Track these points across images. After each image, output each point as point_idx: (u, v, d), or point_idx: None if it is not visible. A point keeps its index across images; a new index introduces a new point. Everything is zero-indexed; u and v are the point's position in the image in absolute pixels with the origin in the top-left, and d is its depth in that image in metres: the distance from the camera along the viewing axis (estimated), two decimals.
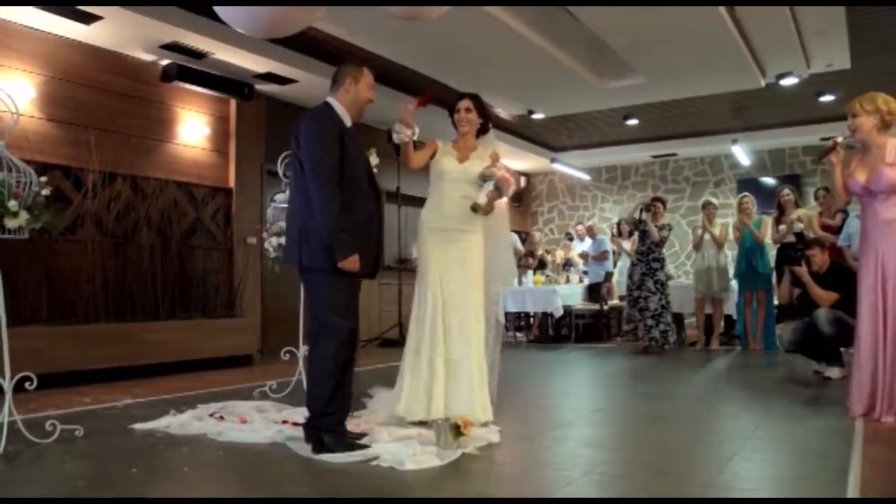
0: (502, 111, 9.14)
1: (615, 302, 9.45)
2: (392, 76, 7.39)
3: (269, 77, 7.08)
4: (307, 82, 7.14)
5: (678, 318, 8.39)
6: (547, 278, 9.76)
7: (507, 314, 7.86)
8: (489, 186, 3.66)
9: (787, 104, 9.08)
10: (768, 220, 7.51)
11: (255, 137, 7.57)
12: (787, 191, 7.49)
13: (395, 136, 3.57)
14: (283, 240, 4.09)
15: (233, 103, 7.33)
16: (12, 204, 3.10)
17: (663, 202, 7.80)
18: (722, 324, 8.17)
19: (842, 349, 5.33)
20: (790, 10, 6.00)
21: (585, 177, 12.69)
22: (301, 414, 3.41)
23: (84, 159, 5.98)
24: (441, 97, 4.36)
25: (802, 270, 5.40)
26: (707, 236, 7.92)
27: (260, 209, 7.50)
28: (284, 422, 3.60)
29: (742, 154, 11.02)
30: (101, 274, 5.95)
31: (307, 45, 6.66)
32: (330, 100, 3.22)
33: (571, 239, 11.04)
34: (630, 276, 7.64)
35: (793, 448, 3.31)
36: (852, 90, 4.69)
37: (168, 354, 5.98)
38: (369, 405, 3.98)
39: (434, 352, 3.62)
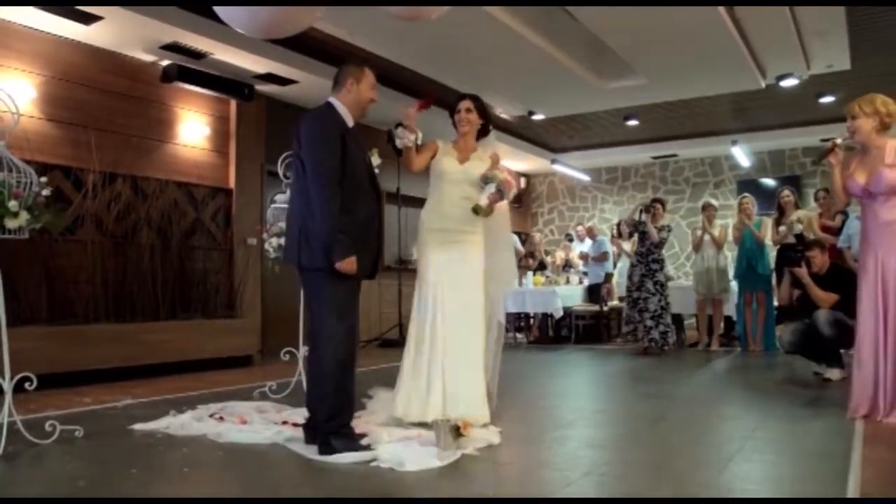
0: (502, 112, 9.14)
1: (615, 303, 9.45)
2: (392, 77, 7.39)
3: (270, 77, 7.08)
4: (307, 83, 7.15)
5: (678, 320, 8.40)
6: (547, 279, 9.77)
7: (506, 315, 7.87)
8: (491, 188, 3.66)
9: (788, 105, 9.09)
10: (768, 222, 7.52)
11: (256, 138, 7.57)
12: (787, 192, 7.49)
13: (398, 142, 3.59)
14: (283, 240, 4.09)
15: (233, 104, 7.33)
16: (12, 204, 3.10)
17: (663, 203, 7.80)
18: (722, 325, 8.18)
19: (842, 350, 5.33)
20: (790, 10, 6.01)
21: (585, 178, 12.69)
22: (301, 415, 3.41)
23: (84, 159, 5.98)
24: (441, 98, 4.37)
25: (802, 272, 5.40)
26: (707, 237, 7.92)
27: (260, 210, 7.50)
28: (284, 422, 3.60)
29: (742, 155, 11.02)
30: (101, 274, 5.95)
31: (307, 45, 6.66)
32: (332, 100, 3.22)
33: (571, 240, 11.04)
34: (630, 278, 7.64)
35: (793, 449, 3.31)
36: (852, 91, 4.70)
37: (168, 355, 5.98)
38: (369, 406, 3.98)
39: (434, 353, 3.62)
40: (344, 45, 6.53)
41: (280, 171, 4.71)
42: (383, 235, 3.35)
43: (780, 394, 4.81)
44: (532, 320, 9.76)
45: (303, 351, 4.39)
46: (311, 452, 3.06)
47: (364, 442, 3.10)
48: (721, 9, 5.81)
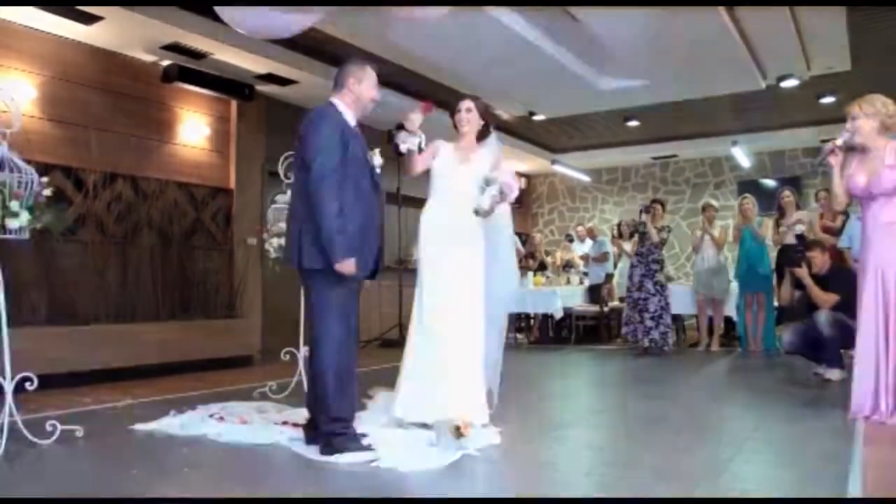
0: (503, 112, 9.14)
1: (615, 303, 9.45)
2: (392, 77, 7.39)
3: (270, 78, 7.08)
4: (307, 83, 7.15)
5: (678, 320, 8.40)
6: (547, 280, 9.76)
7: (507, 316, 7.86)
8: (493, 190, 3.65)
9: (788, 106, 9.08)
10: (769, 222, 7.52)
11: (256, 138, 7.57)
12: (787, 192, 7.50)
13: (402, 147, 3.60)
14: (283, 240, 4.09)
15: (233, 104, 7.33)
16: (13, 204, 3.10)
17: (662, 204, 7.81)
18: (722, 325, 8.18)
19: (842, 351, 5.33)
20: (790, 11, 6.01)
21: (586, 178, 12.69)
22: (301, 415, 3.41)
23: (85, 159, 5.98)
24: (442, 99, 4.37)
25: (803, 272, 5.40)
26: (707, 238, 7.92)
27: (260, 210, 7.50)
28: (284, 423, 3.60)
29: (742, 156, 11.02)
30: (101, 274, 5.95)
31: (308, 45, 6.66)
32: (333, 99, 3.22)
33: (572, 240, 11.04)
34: (630, 278, 7.64)
35: (793, 449, 3.32)
36: (853, 92, 4.68)
37: (168, 355, 5.98)
38: (369, 406, 3.98)
39: (434, 353, 3.62)
40: (344, 45, 6.53)
41: (280, 172, 4.71)
42: (384, 235, 3.34)
43: (781, 394, 4.81)
44: (532, 321, 9.76)
45: (303, 351, 4.39)
46: (311, 453, 3.06)
47: (365, 442, 3.10)
48: (721, 9, 5.81)
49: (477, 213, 3.65)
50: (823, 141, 8.97)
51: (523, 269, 9.57)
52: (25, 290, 5.40)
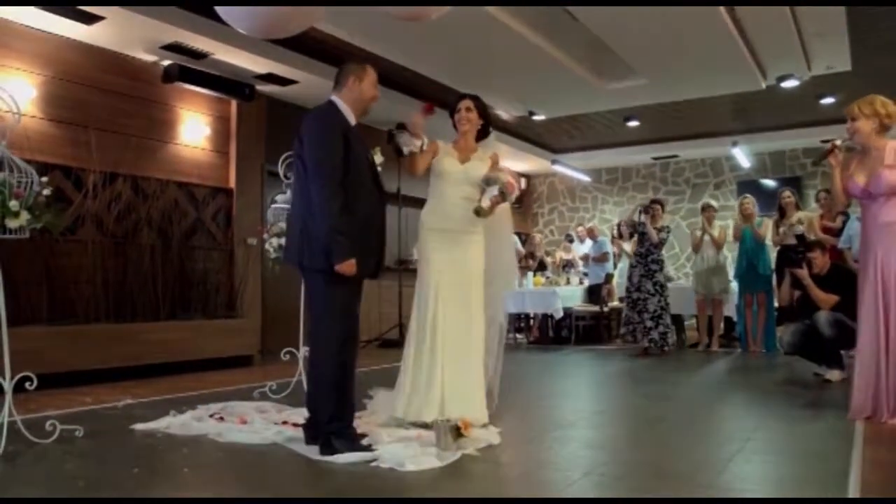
0: (503, 112, 9.14)
1: (615, 303, 9.45)
2: (392, 77, 7.40)
3: (270, 78, 7.08)
4: (308, 83, 7.15)
5: (678, 320, 8.40)
6: (547, 280, 9.76)
7: (507, 315, 7.87)
8: (493, 191, 3.65)
9: (788, 106, 9.09)
10: (769, 223, 7.52)
11: (256, 138, 7.57)
12: (787, 193, 7.50)
13: (404, 149, 3.62)
14: (283, 240, 4.10)
15: (233, 104, 7.33)
16: (13, 204, 3.10)
17: (662, 204, 7.80)
18: (722, 325, 8.18)
19: (842, 352, 5.33)
20: (791, 11, 6.01)
21: (586, 178, 12.69)
22: (301, 415, 3.41)
23: (85, 159, 5.98)
24: (442, 98, 4.37)
25: (803, 273, 5.40)
26: (706, 238, 7.93)
27: (260, 210, 7.50)
28: (284, 422, 3.60)
29: (742, 156, 11.03)
30: (101, 274, 5.95)
31: (307, 45, 6.67)
32: (334, 98, 3.21)
33: (572, 240, 11.04)
34: (629, 278, 7.64)
35: (793, 449, 3.31)
36: (853, 93, 4.69)
37: (168, 355, 5.98)
38: (369, 406, 3.98)
39: (434, 353, 3.62)
40: (344, 45, 6.54)
41: (280, 172, 4.71)
42: (386, 235, 3.33)
43: (781, 395, 4.81)
44: (532, 321, 9.76)
45: (303, 351, 4.39)
46: (311, 453, 3.06)
47: (365, 442, 3.09)
48: (721, 9, 5.81)
49: (478, 213, 3.65)
50: (823, 141, 9.00)
51: (523, 269, 9.58)
52: (25, 289, 5.40)
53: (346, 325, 3.11)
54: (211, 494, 2.60)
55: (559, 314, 8.68)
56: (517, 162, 11.74)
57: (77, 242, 5.88)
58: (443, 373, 3.60)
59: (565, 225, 12.95)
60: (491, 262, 3.86)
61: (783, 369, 6.16)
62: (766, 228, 7.49)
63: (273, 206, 4.96)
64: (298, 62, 6.89)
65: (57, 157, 5.80)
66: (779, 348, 6.70)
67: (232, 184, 7.33)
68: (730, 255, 8.32)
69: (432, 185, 3.87)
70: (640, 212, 7.66)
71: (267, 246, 4.67)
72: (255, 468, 2.93)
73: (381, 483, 2.67)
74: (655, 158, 12.16)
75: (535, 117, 9.30)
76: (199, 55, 6.37)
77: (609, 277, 9.55)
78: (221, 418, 3.77)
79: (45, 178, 3.30)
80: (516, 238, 9.82)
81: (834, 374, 5.25)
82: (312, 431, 3.16)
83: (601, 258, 9.68)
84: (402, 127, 7.75)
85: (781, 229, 7.23)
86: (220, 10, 4.01)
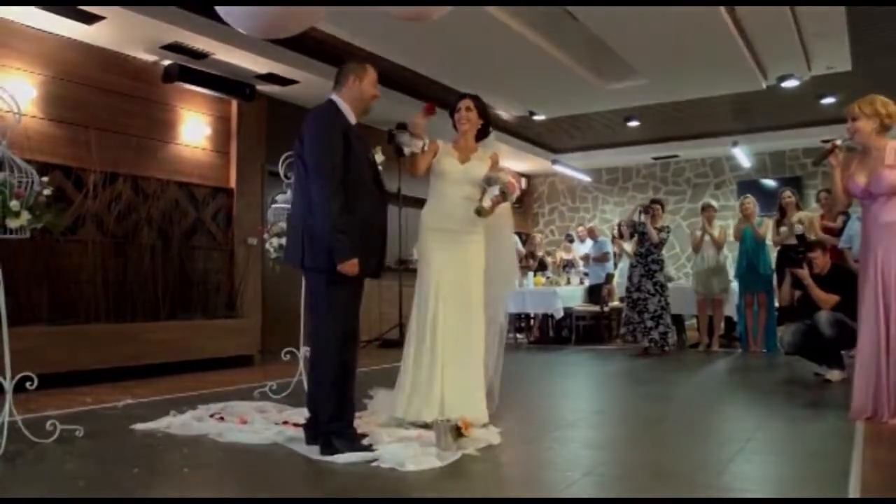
0: (503, 112, 9.14)
1: (616, 303, 9.45)
2: (393, 77, 7.40)
3: (270, 77, 7.08)
4: (308, 83, 7.15)
5: (678, 320, 8.39)
6: (547, 280, 9.76)
7: (507, 315, 7.88)
8: (494, 191, 3.65)
9: (788, 106, 9.08)
10: (769, 223, 7.52)
11: (256, 138, 7.57)
12: (788, 193, 7.50)
13: (405, 150, 3.62)
14: (283, 240, 4.09)
15: (234, 104, 7.33)
16: (14, 204, 3.10)
17: (662, 204, 7.80)
18: (722, 325, 8.18)
19: (842, 352, 5.33)
20: (791, 11, 6.01)
21: (586, 178, 12.69)
22: (302, 415, 3.41)
23: (85, 159, 5.98)
24: (442, 98, 4.37)
25: (804, 273, 5.40)
26: (707, 238, 7.93)
27: (261, 210, 7.50)
28: (285, 422, 3.60)
29: (743, 156, 11.03)
30: (101, 274, 5.95)
31: (308, 45, 6.67)
32: (334, 97, 3.20)
33: (572, 240, 11.04)
34: (629, 278, 7.64)
35: (793, 449, 3.31)
36: (853, 92, 4.68)
37: (168, 355, 5.98)
38: (369, 406, 3.98)
39: (434, 353, 3.62)
40: (344, 45, 6.54)
41: (281, 171, 4.71)
42: (387, 234, 3.32)
43: (781, 395, 4.81)
44: (532, 321, 9.76)
45: (303, 351, 4.39)
46: (312, 453, 3.06)
47: (365, 442, 3.09)
48: (722, 9, 5.81)
49: (478, 213, 3.65)
50: (824, 141, 8.99)
51: (523, 269, 9.58)
52: (26, 289, 5.40)
53: (347, 324, 3.10)
54: (211, 494, 2.60)
55: (559, 314, 8.68)
56: (517, 162, 11.74)
57: (77, 242, 5.88)
58: (443, 373, 3.60)
59: (566, 225, 12.95)
60: (491, 262, 3.86)
61: (784, 369, 6.16)
62: (767, 228, 7.49)
63: (273, 205, 4.95)
64: (299, 62, 6.89)
65: (57, 157, 5.80)
66: (779, 348, 6.70)
67: (232, 184, 7.33)
68: (730, 255, 8.32)
69: (432, 184, 3.87)
70: (640, 212, 7.65)
71: (267, 246, 4.67)
72: (255, 468, 2.93)
73: (382, 483, 2.67)
74: (656, 158, 12.16)
75: (535, 117, 9.30)
76: (199, 55, 6.37)
77: (609, 277, 9.54)
78: (222, 418, 3.77)
79: (45, 178, 3.31)
80: (517, 238, 9.82)
81: (834, 374, 5.25)
82: (313, 431, 3.16)
83: (601, 258, 9.68)
84: (402, 127, 7.75)
85: (782, 229, 7.23)
86: (220, 10, 4.01)
